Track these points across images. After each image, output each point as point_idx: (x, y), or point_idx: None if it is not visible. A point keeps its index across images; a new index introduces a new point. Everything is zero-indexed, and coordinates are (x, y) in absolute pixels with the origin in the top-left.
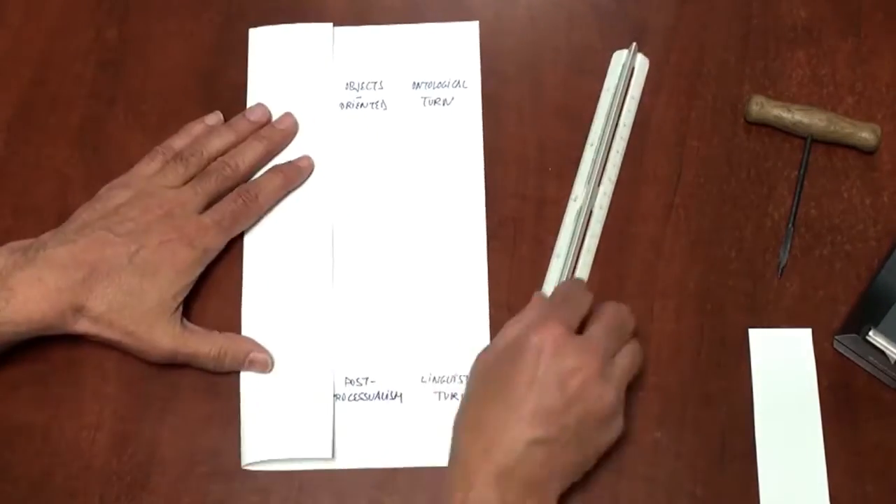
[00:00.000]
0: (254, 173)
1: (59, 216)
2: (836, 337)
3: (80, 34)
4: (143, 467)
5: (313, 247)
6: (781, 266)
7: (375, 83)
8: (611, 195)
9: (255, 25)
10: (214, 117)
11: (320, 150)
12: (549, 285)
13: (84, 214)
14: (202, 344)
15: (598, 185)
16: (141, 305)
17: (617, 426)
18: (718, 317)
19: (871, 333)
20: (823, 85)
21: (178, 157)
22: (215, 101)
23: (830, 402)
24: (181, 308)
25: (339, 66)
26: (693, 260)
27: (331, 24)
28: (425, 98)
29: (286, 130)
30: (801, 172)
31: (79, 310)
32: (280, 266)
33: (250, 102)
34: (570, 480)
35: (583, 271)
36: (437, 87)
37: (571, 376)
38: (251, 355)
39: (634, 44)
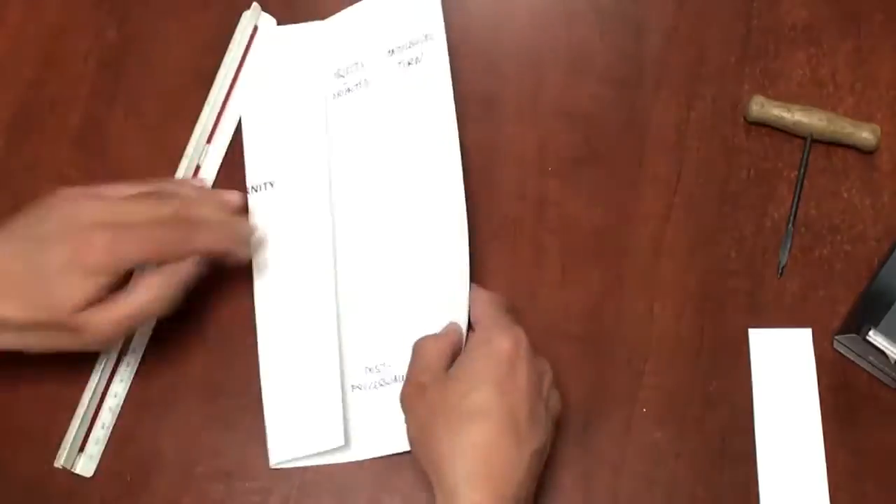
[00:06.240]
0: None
1: None
2: (836, 337)
3: (80, 34)
4: (143, 467)
5: (316, 244)
6: (781, 266)
7: (357, 63)
8: (223, 156)
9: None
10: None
11: (317, 145)
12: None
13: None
14: (123, 315)
15: (209, 142)
16: (50, 320)
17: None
18: (718, 317)
19: (871, 333)
20: (823, 85)
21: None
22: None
23: (830, 402)
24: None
25: (329, 58)
26: (693, 260)
27: (319, 20)
28: (400, 62)
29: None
30: (801, 172)
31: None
32: (287, 265)
33: (242, 96)
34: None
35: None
36: (409, 47)
37: (543, 375)
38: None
39: (255, 3)
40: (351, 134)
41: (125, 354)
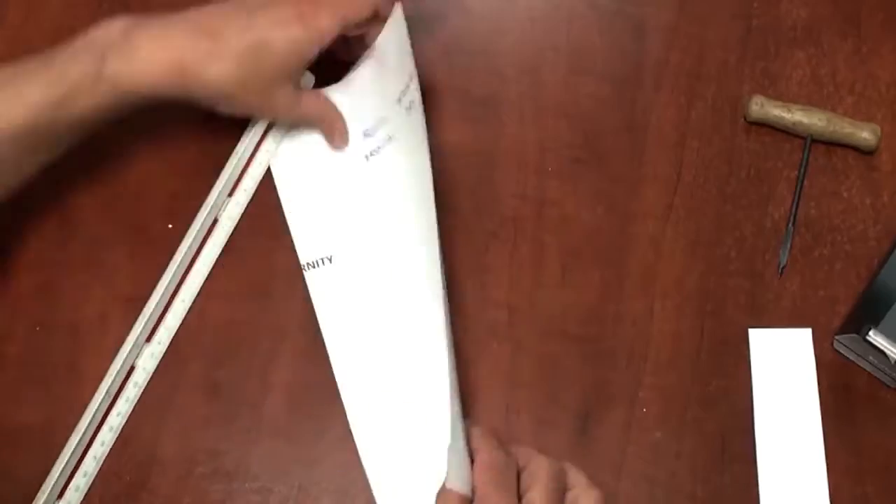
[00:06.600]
0: None
1: (60, 216)
2: (836, 337)
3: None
4: (143, 467)
5: (404, 313)
6: (781, 266)
7: (382, 119)
8: (243, 209)
9: None
10: None
11: (367, 211)
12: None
13: None
14: (311, 109)
15: (230, 195)
16: (258, 80)
17: None
18: (718, 317)
19: (871, 333)
20: (823, 85)
21: None
22: None
23: (830, 402)
24: (298, 76)
25: (355, 118)
26: (693, 260)
27: (336, 83)
28: (406, 108)
29: None
30: (801, 172)
31: (200, 72)
32: (373, 339)
33: (278, 175)
34: None
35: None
36: (406, 91)
37: None
38: (337, 125)
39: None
40: (390, 192)
41: (118, 400)
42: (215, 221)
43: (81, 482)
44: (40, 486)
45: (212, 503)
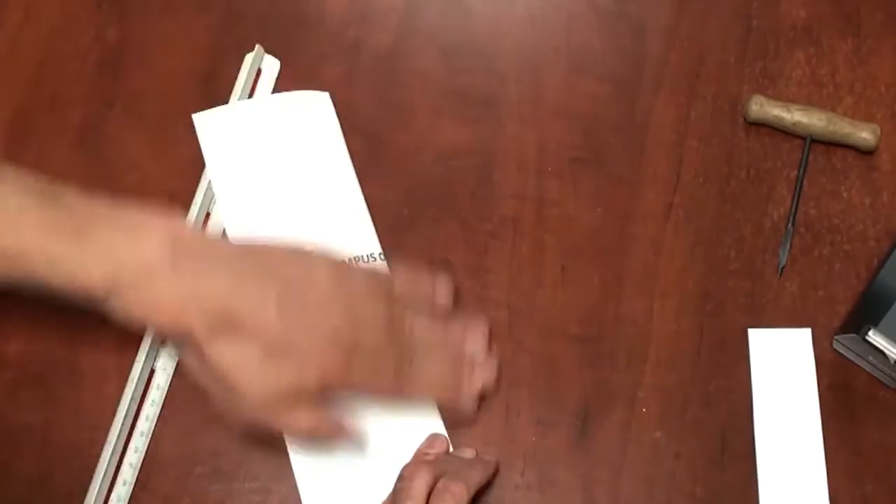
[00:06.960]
0: None
1: None
2: (836, 337)
3: (79, 34)
4: (143, 467)
5: None
6: (781, 266)
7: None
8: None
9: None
10: None
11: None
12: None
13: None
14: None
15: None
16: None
17: None
18: (718, 317)
19: (870, 333)
20: (823, 85)
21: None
22: (214, 102)
23: (830, 402)
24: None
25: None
26: (693, 260)
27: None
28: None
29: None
30: (801, 172)
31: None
32: None
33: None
34: None
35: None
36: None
37: None
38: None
39: (259, 45)
40: None
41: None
42: (208, 215)
43: (122, 491)
44: (40, 486)
45: (212, 503)
